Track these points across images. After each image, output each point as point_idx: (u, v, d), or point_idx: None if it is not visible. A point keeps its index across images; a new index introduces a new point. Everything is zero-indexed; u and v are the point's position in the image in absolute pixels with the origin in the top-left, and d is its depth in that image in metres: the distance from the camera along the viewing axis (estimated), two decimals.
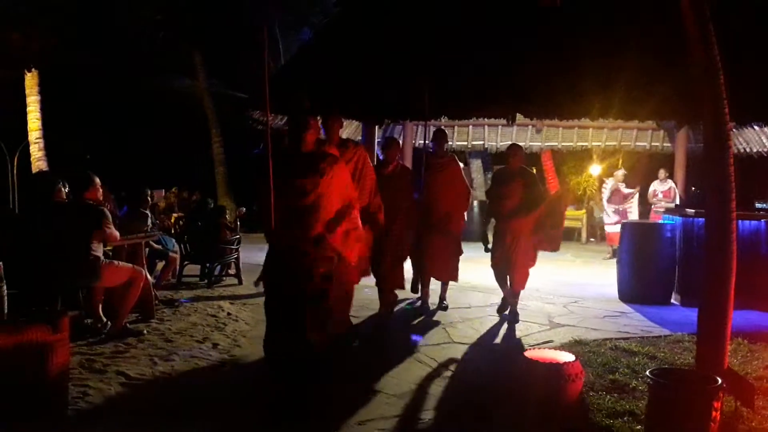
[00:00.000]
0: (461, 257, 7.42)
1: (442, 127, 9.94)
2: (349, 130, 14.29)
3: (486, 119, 13.54)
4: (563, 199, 7.17)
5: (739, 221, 7.26)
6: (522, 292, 7.22)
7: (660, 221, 9.17)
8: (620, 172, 13.50)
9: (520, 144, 7.36)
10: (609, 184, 13.53)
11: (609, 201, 13.37)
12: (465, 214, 7.57)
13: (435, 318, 7.20)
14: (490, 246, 7.25)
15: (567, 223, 16.48)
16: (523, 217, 6.81)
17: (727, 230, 4.25)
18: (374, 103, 8.41)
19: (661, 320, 7.20)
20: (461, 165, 7.67)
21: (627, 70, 7.74)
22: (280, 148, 5.37)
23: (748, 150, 14.11)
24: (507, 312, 7.19)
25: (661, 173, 13.38)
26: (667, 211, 9.45)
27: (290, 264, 4.55)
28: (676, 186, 13.29)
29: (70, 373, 4.42)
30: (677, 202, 12.73)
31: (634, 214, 13.26)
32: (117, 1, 14.38)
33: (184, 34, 17.40)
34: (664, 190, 13.14)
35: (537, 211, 6.77)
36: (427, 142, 7.48)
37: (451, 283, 7.62)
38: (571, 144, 16.00)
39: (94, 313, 6.44)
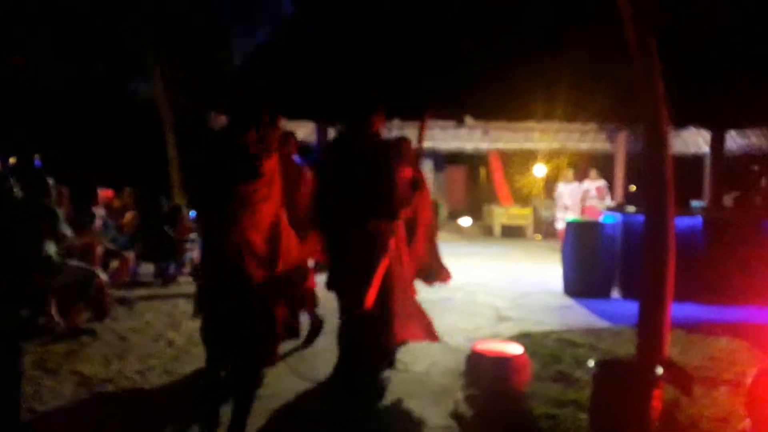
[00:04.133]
0: None
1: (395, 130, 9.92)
2: (305, 131, 14.18)
3: (438, 120, 13.60)
4: None
5: (677, 218, 7.44)
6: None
7: (599, 218, 9.31)
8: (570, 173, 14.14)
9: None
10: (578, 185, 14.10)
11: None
12: None
13: None
14: None
15: (514, 221, 16.90)
16: None
17: (666, 227, 4.33)
18: (326, 102, 8.35)
19: (603, 313, 7.29)
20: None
21: (571, 74, 7.87)
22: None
23: (685, 151, 14.45)
24: None
25: (593, 173, 14.09)
26: (608, 209, 9.60)
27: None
28: (611, 185, 13.72)
29: (23, 372, 4.27)
30: (608, 198, 13.19)
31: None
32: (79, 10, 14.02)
33: (141, 40, 17.08)
34: (598, 186, 13.87)
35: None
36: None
37: None
38: (517, 145, 16.19)
39: (46, 312, 6.24)
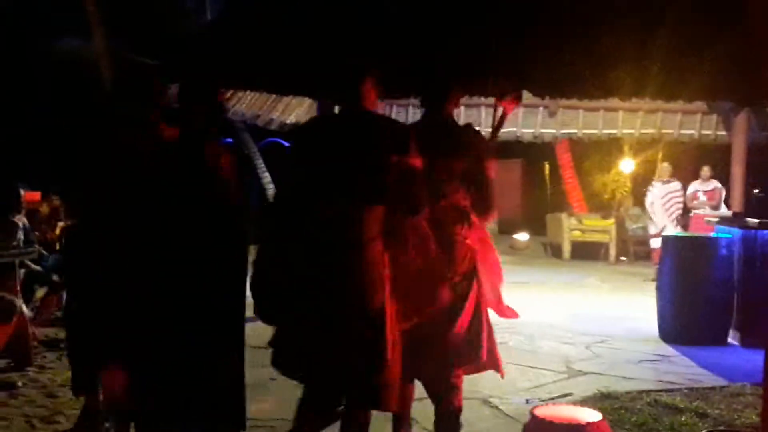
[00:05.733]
0: None
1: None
2: (300, 110, 14.26)
3: (483, 98, 13.58)
4: None
5: None
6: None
7: (710, 234, 9.25)
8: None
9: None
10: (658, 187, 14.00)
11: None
12: None
13: None
14: None
15: (591, 237, 16.80)
16: None
17: None
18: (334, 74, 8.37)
19: (714, 366, 7.26)
20: None
21: (668, 33, 7.84)
22: None
23: None
24: None
25: (705, 171, 14.07)
26: (722, 221, 9.54)
27: None
28: (724, 187, 13.60)
29: None
30: (723, 206, 13.08)
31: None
32: None
33: None
34: (708, 190, 13.84)
35: None
36: None
37: None
38: (595, 132, 16.14)
39: None
